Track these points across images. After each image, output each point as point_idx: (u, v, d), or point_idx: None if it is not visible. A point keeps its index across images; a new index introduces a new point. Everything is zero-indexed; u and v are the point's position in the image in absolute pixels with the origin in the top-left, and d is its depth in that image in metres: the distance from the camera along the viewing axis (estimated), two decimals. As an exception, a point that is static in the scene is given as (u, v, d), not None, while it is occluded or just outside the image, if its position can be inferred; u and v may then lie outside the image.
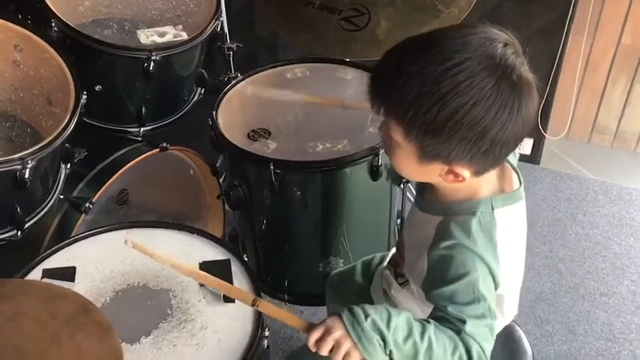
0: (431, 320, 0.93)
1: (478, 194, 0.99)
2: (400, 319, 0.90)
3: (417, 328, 0.90)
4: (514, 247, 1.05)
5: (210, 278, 1.08)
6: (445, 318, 0.93)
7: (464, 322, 0.91)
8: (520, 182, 1.04)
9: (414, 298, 1.14)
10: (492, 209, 0.98)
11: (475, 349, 0.90)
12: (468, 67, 0.85)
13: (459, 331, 0.91)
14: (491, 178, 1.01)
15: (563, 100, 2.44)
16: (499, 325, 1.10)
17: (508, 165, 1.06)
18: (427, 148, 0.91)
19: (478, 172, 0.95)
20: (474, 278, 0.93)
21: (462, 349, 0.90)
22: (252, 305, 1.02)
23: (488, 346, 0.93)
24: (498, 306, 1.01)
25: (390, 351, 0.89)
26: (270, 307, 1.01)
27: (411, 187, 1.76)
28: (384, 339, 0.89)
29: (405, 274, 1.15)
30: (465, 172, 0.94)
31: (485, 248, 0.95)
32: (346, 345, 0.90)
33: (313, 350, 0.92)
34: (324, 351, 0.91)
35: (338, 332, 0.90)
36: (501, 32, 0.90)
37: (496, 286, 0.97)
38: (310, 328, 0.93)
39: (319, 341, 0.91)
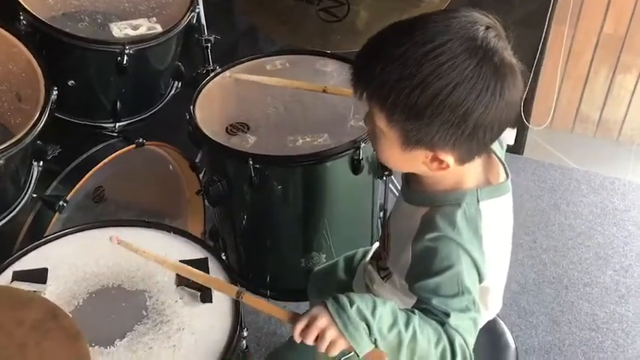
0: (416, 311, 0.91)
1: (463, 184, 0.98)
2: (385, 309, 0.88)
3: (401, 317, 0.88)
4: (499, 240, 1.04)
5: (195, 272, 1.05)
6: (429, 310, 0.92)
7: (448, 315, 0.90)
8: (507, 175, 1.03)
9: (396, 292, 1.13)
10: (478, 201, 0.96)
11: (458, 342, 0.89)
12: (450, 48, 0.84)
13: (442, 323, 0.90)
14: (476, 168, 0.99)
15: (545, 90, 2.43)
16: (483, 319, 1.09)
17: (495, 157, 1.04)
18: (410, 133, 0.89)
19: (463, 159, 0.93)
20: (459, 271, 0.92)
21: (445, 341, 0.88)
22: (237, 297, 0.99)
23: (471, 339, 0.92)
24: (482, 298, 1.00)
25: (375, 339, 0.87)
26: (254, 300, 0.98)
27: (394, 180, 1.74)
28: (369, 327, 0.87)
29: (388, 267, 1.13)
30: (449, 158, 0.92)
31: (469, 240, 0.94)
32: (331, 333, 0.87)
33: (298, 341, 0.90)
34: (310, 340, 0.89)
35: (323, 320, 0.88)
36: (484, 16, 0.89)
37: (480, 279, 0.96)
38: (295, 318, 0.91)
39: (304, 331, 0.89)
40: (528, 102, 2.38)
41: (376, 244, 1.32)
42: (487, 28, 0.87)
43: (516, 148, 2.49)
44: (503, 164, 1.05)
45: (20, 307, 0.89)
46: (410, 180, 1.06)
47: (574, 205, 2.29)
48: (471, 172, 0.98)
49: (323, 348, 0.88)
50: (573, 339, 1.86)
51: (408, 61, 0.84)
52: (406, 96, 0.85)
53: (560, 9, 2.22)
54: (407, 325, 0.87)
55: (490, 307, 1.10)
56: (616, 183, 2.37)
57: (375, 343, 0.87)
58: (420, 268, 0.96)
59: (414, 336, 0.87)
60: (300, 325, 0.89)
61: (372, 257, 1.26)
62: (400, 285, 1.09)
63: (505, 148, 1.11)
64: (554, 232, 2.19)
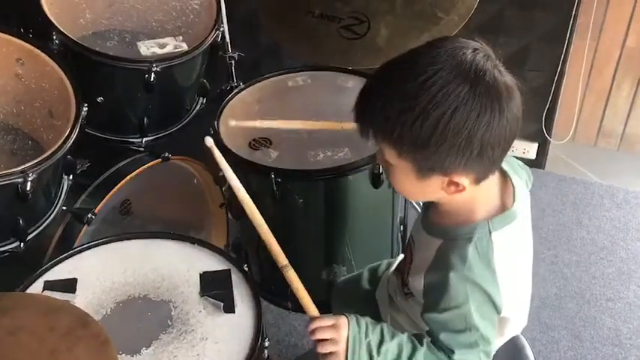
0: (425, 341, 1.00)
1: (476, 215, 1.00)
2: (392, 344, 0.99)
3: (406, 352, 0.99)
4: (516, 266, 1.05)
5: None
6: (437, 343, 1.00)
7: (452, 351, 0.98)
8: (514, 199, 1.03)
9: (416, 311, 1.15)
10: (490, 232, 0.98)
11: None
12: (441, 76, 0.87)
13: (449, 357, 0.98)
14: (491, 195, 1.01)
15: (568, 103, 2.43)
16: (497, 345, 1.12)
17: (510, 181, 1.05)
18: (421, 162, 0.93)
19: (478, 179, 0.96)
20: (467, 310, 0.96)
21: None
22: (281, 269, 1.08)
23: None
24: (500, 328, 1.04)
25: None
26: (295, 279, 1.08)
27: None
28: (371, 358, 0.99)
29: (410, 289, 1.16)
30: (464, 180, 0.94)
31: (482, 276, 0.96)
32: (338, 348, 0.99)
33: (310, 333, 1.01)
34: (317, 337, 1.01)
35: (341, 334, 0.99)
36: (470, 40, 0.93)
37: (498, 311, 0.99)
38: (317, 319, 1.02)
39: (318, 330, 1.01)
40: (550, 116, 2.38)
41: (401, 256, 1.35)
42: (474, 50, 0.90)
43: (538, 163, 2.49)
44: (514, 189, 1.05)
45: (52, 314, 0.93)
46: (428, 211, 1.09)
47: (596, 219, 2.28)
48: (483, 201, 1.00)
49: (322, 351, 1.00)
50: (596, 354, 1.85)
51: (404, 96, 0.88)
52: (409, 128, 0.88)
53: (582, 23, 2.23)
54: (410, 357, 0.99)
55: (507, 333, 1.12)
56: (639, 198, 2.35)
57: None
58: (430, 300, 1.01)
59: None
60: (319, 323, 1.01)
61: (397, 269, 1.28)
62: (418, 307, 1.12)
63: (527, 180, 1.12)
64: (576, 247, 2.17)
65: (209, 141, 1.14)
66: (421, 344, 1.01)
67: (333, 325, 1.00)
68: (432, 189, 0.97)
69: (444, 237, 1.02)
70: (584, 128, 2.53)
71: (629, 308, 1.97)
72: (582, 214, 2.30)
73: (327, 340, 1.00)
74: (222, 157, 1.15)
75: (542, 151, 2.48)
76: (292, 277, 1.08)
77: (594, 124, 2.54)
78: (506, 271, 0.98)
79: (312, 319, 1.02)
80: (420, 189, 0.98)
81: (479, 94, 0.87)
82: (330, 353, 0.99)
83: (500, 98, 0.89)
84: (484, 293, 0.96)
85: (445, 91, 0.87)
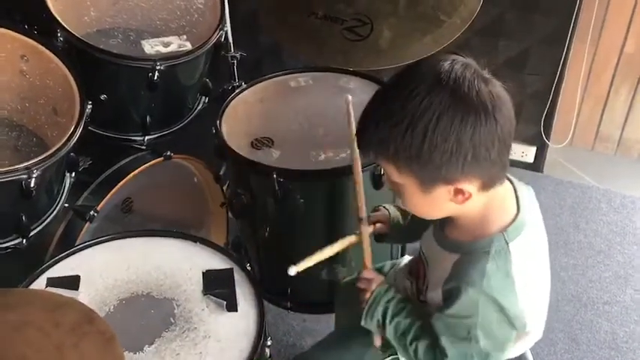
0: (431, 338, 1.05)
1: (491, 228, 1.01)
2: (405, 321, 1.09)
3: (412, 334, 1.07)
4: (532, 277, 1.05)
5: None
6: (437, 344, 1.03)
7: (446, 356, 1.02)
8: (518, 209, 1.04)
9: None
10: (507, 243, 0.99)
11: None
12: (423, 88, 0.91)
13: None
14: (506, 205, 1.02)
15: (566, 107, 2.44)
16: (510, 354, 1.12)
17: (514, 187, 1.06)
18: (420, 174, 0.95)
19: (485, 184, 0.96)
20: (474, 322, 0.98)
21: None
22: (359, 221, 1.21)
23: None
24: (517, 340, 1.05)
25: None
26: (366, 234, 1.20)
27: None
28: (384, 324, 1.11)
29: (427, 299, 1.17)
30: (469, 187, 0.95)
31: (499, 289, 0.97)
32: (366, 297, 1.14)
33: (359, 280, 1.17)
34: (358, 284, 1.17)
35: (371, 288, 1.14)
36: (450, 53, 0.97)
37: (517, 327, 1.00)
38: (361, 277, 1.17)
39: (360, 279, 1.17)
40: (549, 120, 2.39)
41: (406, 257, 1.38)
42: (452, 60, 0.94)
43: (536, 166, 2.50)
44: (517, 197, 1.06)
45: (57, 310, 0.93)
46: (444, 226, 1.09)
47: (594, 223, 2.29)
48: (498, 213, 1.01)
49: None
50: (592, 358, 1.86)
51: (392, 113, 0.93)
52: (401, 141, 0.92)
53: (581, 27, 2.24)
54: (413, 340, 1.07)
55: (519, 345, 1.12)
56: (636, 202, 2.37)
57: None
58: (443, 304, 1.03)
59: (415, 352, 1.07)
60: (362, 275, 1.17)
61: (409, 273, 1.27)
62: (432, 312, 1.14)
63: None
64: (574, 251, 2.19)
65: (348, 98, 1.23)
66: (427, 338, 1.05)
67: (370, 279, 1.14)
68: (440, 201, 0.98)
69: (460, 251, 1.02)
70: (582, 132, 2.54)
71: (626, 312, 1.98)
72: (579, 217, 2.32)
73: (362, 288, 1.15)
74: (352, 114, 1.23)
75: (540, 155, 2.49)
76: (365, 231, 1.20)
77: (592, 128, 2.55)
78: (525, 281, 0.99)
79: (363, 269, 1.17)
80: (430, 204, 0.99)
81: (459, 99, 0.90)
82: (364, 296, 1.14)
83: (484, 101, 0.91)
84: (499, 308, 0.97)
85: (428, 100, 0.90)
